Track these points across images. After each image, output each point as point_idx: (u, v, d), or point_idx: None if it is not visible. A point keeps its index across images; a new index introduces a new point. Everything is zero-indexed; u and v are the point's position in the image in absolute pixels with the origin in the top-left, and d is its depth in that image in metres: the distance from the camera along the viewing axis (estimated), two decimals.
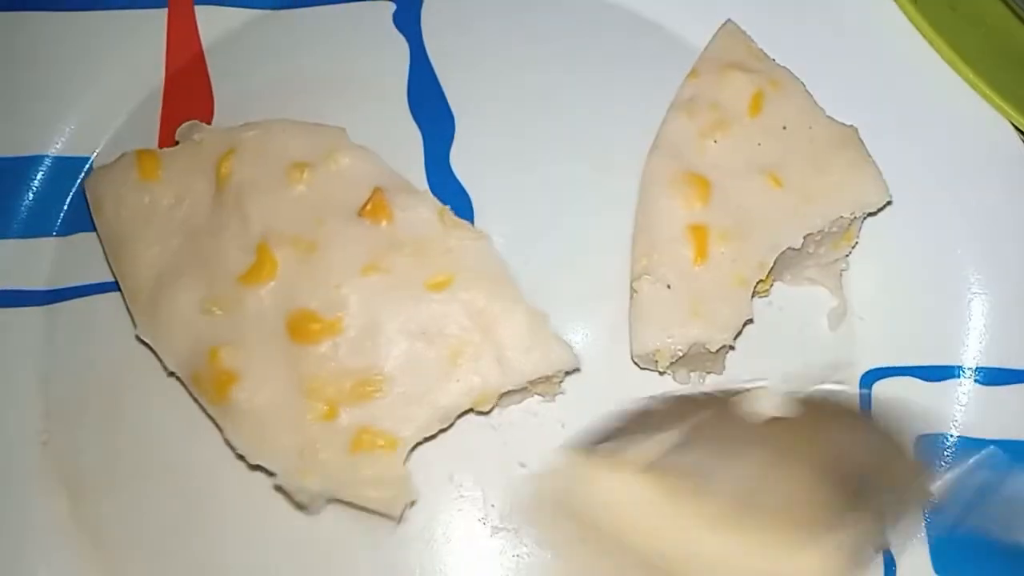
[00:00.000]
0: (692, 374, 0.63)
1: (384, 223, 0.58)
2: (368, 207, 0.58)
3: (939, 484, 0.59)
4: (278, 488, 0.55)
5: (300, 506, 0.56)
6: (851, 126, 0.63)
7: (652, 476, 0.56)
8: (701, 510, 0.56)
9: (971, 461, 0.61)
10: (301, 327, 0.56)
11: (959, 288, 0.65)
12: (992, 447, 0.61)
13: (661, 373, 0.61)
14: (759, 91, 0.63)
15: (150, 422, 0.62)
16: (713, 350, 0.58)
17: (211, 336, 0.56)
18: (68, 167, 0.69)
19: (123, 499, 0.60)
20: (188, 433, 0.61)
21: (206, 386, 0.56)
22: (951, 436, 0.62)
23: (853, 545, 0.56)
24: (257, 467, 0.56)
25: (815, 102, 0.64)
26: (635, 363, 0.61)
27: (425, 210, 0.59)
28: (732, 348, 0.60)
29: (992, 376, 0.63)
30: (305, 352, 0.56)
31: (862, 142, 0.62)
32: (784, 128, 0.63)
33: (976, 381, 0.63)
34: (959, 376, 0.63)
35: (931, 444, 0.62)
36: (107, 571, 0.59)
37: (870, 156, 0.62)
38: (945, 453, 0.62)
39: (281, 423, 0.55)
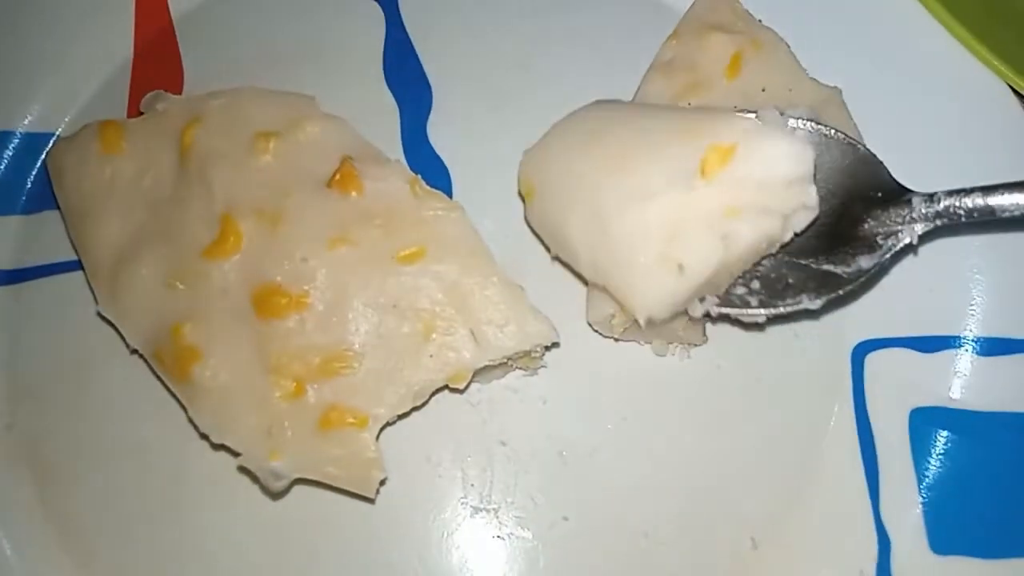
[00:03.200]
0: (676, 347, 0.60)
1: (353, 194, 0.56)
2: (337, 177, 0.56)
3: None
4: (243, 469, 0.53)
5: (265, 488, 0.54)
6: (834, 87, 0.61)
7: None
8: None
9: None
10: (267, 302, 0.54)
11: (955, 255, 0.62)
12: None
13: (616, 340, 0.60)
14: (738, 52, 0.61)
15: (116, 403, 0.60)
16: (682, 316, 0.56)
17: (174, 312, 0.55)
18: (35, 143, 0.67)
19: (90, 481, 0.59)
20: (154, 413, 0.59)
21: (169, 364, 0.54)
22: (946, 409, 0.60)
23: None
24: (222, 446, 0.54)
25: (798, 63, 0.62)
26: (593, 329, 0.59)
27: (396, 180, 0.57)
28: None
29: (989, 347, 0.61)
30: (271, 327, 0.54)
31: (844, 104, 0.60)
32: (763, 90, 0.61)
33: (975, 352, 0.61)
34: (955, 347, 0.61)
35: (925, 418, 0.59)
36: (76, 553, 0.58)
37: (852, 119, 0.60)
38: (941, 426, 0.59)
39: (246, 401, 0.53)
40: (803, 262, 0.55)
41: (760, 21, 0.63)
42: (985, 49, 0.63)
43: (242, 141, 0.57)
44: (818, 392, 0.61)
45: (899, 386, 0.60)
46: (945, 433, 0.59)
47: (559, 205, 0.55)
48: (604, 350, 0.61)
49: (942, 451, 0.59)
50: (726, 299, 0.54)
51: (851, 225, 0.55)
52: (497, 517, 0.58)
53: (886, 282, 0.62)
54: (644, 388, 0.61)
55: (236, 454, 0.53)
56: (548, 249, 0.58)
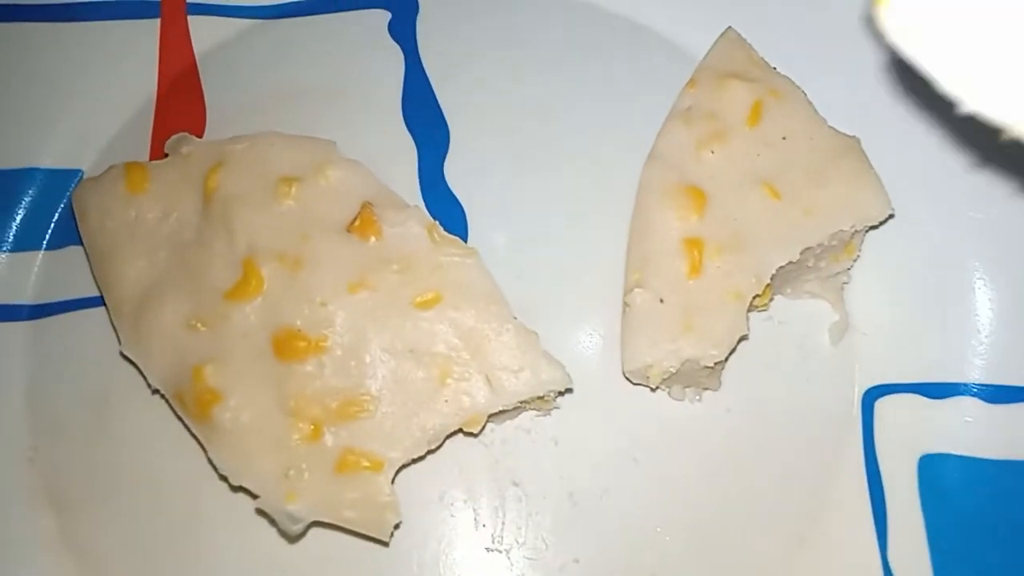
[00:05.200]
0: (687, 390, 0.61)
1: (372, 239, 0.57)
2: (356, 223, 0.57)
3: None
4: (260, 511, 0.54)
5: (283, 533, 0.55)
6: (853, 136, 0.61)
7: None
8: None
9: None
10: (287, 345, 0.55)
11: (964, 303, 0.63)
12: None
13: (653, 389, 0.60)
14: (758, 101, 0.62)
15: (136, 441, 0.61)
16: (706, 366, 0.57)
17: (195, 353, 0.56)
18: (59, 180, 0.68)
19: (109, 516, 0.60)
20: (175, 450, 0.60)
21: (189, 404, 0.55)
22: (956, 456, 0.60)
23: None
24: (241, 488, 0.55)
25: (816, 112, 0.62)
26: (627, 379, 0.60)
27: (414, 226, 0.58)
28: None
29: (999, 394, 0.61)
30: (290, 370, 0.55)
31: (864, 153, 0.61)
32: (784, 139, 0.61)
33: (982, 399, 0.61)
34: (964, 394, 0.61)
35: (935, 464, 0.60)
36: None
37: (872, 167, 0.60)
38: (950, 473, 0.60)
39: (265, 443, 0.54)
40: None
41: (775, 69, 0.64)
42: None
43: (265, 186, 0.58)
44: (828, 437, 0.61)
45: (908, 432, 0.61)
46: (954, 479, 0.60)
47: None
48: (615, 392, 0.61)
49: (951, 497, 0.59)
50: None
51: None
52: (508, 558, 0.59)
53: (897, 328, 0.63)
54: (654, 430, 0.61)
55: (254, 496, 0.54)
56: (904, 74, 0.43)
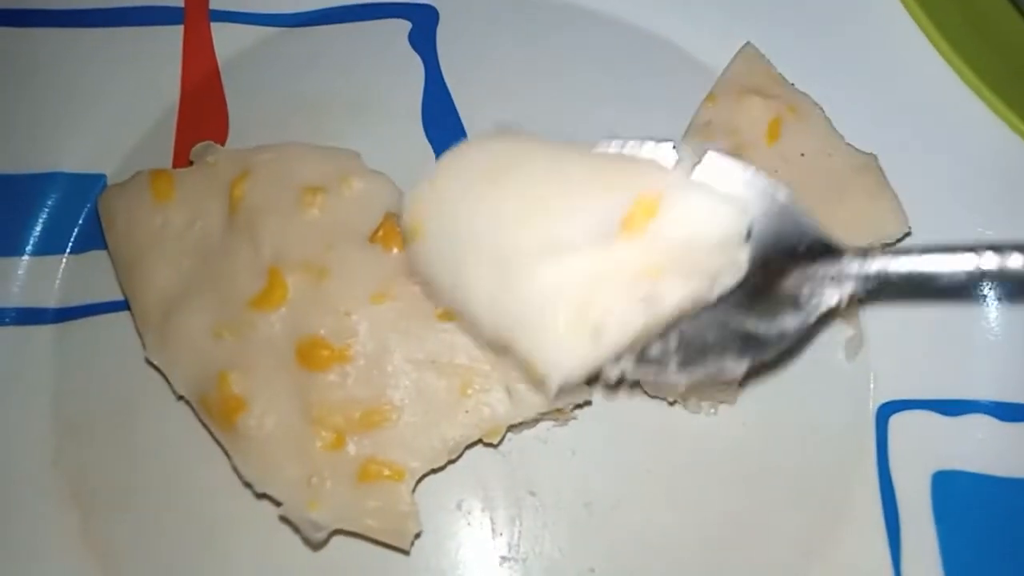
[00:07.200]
0: (703, 403, 0.62)
1: (395, 250, 0.57)
2: (380, 233, 0.58)
3: None
4: (284, 519, 0.55)
5: (305, 540, 0.55)
6: (870, 154, 0.62)
7: None
8: None
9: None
10: (310, 354, 0.55)
11: (979, 320, 0.63)
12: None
13: (671, 403, 0.60)
14: (777, 117, 0.62)
15: (161, 444, 0.62)
16: (723, 380, 0.57)
17: (220, 361, 0.56)
18: (83, 184, 0.68)
19: (133, 520, 0.60)
20: (199, 456, 0.60)
21: (214, 411, 0.56)
22: (969, 473, 0.61)
23: None
24: (264, 495, 0.55)
25: (834, 129, 0.63)
26: (644, 392, 0.60)
27: None
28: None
29: (1013, 412, 0.62)
30: (314, 379, 0.55)
31: (881, 170, 0.61)
32: (802, 155, 0.62)
33: (995, 417, 0.62)
34: (978, 411, 0.62)
35: (948, 482, 0.60)
36: None
37: (889, 185, 0.61)
38: (963, 490, 0.60)
39: (288, 451, 0.54)
40: (722, 319, 0.49)
41: (793, 85, 0.64)
42: (1015, 115, 0.65)
43: (290, 195, 0.59)
44: (842, 452, 0.62)
45: (922, 448, 0.61)
46: (968, 497, 0.60)
47: (453, 251, 0.49)
48: (632, 403, 0.62)
49: (964, 515, 0.60)
50: (642, 359, 0.49)
51: (773, 278, 0.48)
52: (525, 567, 0.59)
53: (911, 344, 0.64)
54: (670, 442, 0.62)
55: (278, 503, 0.55)
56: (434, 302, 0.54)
